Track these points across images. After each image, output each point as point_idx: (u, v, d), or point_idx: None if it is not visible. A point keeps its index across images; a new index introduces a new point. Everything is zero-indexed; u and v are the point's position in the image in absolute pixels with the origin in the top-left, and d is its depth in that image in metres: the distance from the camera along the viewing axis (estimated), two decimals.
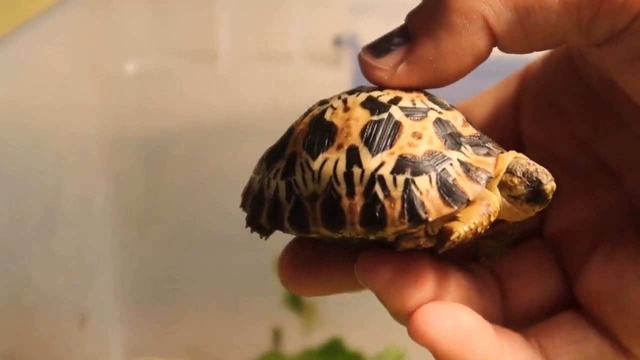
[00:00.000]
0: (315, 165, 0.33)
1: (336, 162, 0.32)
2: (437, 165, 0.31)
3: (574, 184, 0.37)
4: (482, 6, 0.31)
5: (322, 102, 0.36)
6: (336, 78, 0.66)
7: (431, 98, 0.33)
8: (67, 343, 0.63)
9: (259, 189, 0.38)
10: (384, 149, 0.31)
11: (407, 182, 0.30)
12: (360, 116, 0.32)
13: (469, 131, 0.32)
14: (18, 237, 0.54)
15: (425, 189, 0.30)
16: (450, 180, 0.30)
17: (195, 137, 0.68)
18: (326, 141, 0.33)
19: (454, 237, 0.30)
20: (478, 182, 0.31)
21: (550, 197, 0.32)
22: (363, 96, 0.33)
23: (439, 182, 0.30)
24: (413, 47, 0.32)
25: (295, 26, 0.65)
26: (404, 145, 0.31)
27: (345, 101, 0.34)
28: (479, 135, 0.32)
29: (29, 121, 0.57)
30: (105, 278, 0.69)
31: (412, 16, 0.33)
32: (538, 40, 0.32)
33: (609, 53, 0.31)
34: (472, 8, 0.31)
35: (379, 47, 0.33)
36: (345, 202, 0.31)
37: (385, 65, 0.32)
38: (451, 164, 0.31)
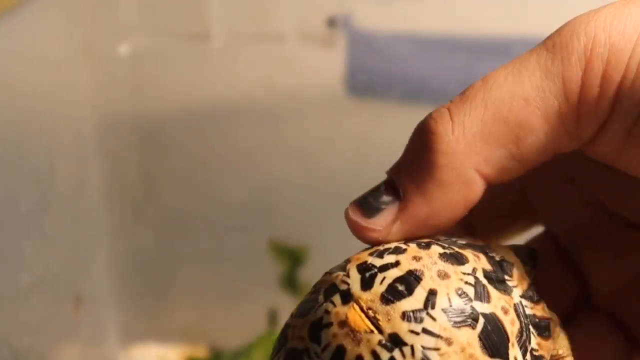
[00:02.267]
0: None
1: None
2: None
3: (605, 246, 0.37)
4: (471, 159, 0.31)
5: None
6: (329, 59, 0.65)
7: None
8: (62, 325, 0.63)
9: None
10: None
11: None
12: None
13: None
14: (12, 219, 0.54)
15: None
16: None
17: (189, 118, 0.68)
18: None
19: None
20: None
21: None
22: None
23: None
24: (405, 206, 0.31)
25: (288, 7, 0.65)
26: None
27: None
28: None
29: (21, 103, 0.57)
30: (100, 260, 0.69)
31: (398, 173, 0.32)
32: (532, 161, 0.31)
33: (602, 144, 0.31)
34: (461, 163, 0.31)
35: (369, 207, 0.32)
36: None
37: (378, 226, 0.32)
38: None
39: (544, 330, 0.33)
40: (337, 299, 0.31)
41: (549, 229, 0.40)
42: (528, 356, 0.32)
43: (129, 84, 0.67)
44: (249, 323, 0.71)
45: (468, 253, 0.32)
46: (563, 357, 0.34)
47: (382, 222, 0.31)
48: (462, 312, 0.30)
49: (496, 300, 0.31)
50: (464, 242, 0.33)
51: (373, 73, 0.66)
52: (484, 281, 0.31)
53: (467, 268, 0.31)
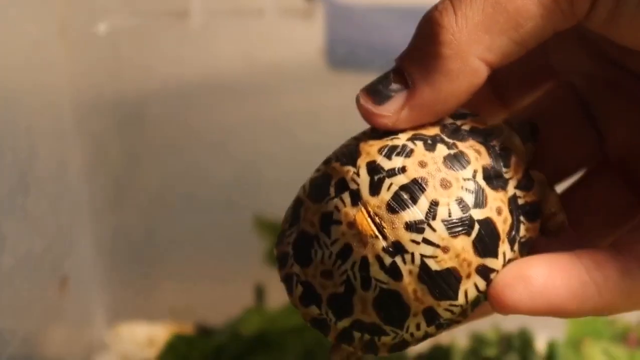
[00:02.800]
0: None
1: None
2: None
3: (621, 102, 0.39)
4: (474, 47, 0.33)
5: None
6: (309, 32, 0.65)
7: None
8: (48, 307, 0.63)
9: None
10: None
11: None
12: None
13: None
14: None
15: None
16: None
17: (170, 97, 0.68)
18: None
19: None
20: None
21: None
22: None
23: None
24: (413, 94, 0.34)
25: None
26: None
27: None
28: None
29: None
30: (84, 241, 0.69)
31: (406, 60, 0.34)
32: (532, 43, 0.33)
33: (595, 19, 0.33)
34: (466, 52, 0.33)
35: (379, 94, 0.34)
36: None
37: (388, 112, 0.34)
38: None
39: (533, 215, 0.36)
40: (347, 197, 0.34)
41: (572, 88, 0.42)
42: (516, 246, 0.35)
43: (108, 63, 0.67)
44: (236, 299, 0.72)
45: (469, 150, 0.35)
46: (555, 214, 0.37)
47: (392, 109, 0.34)
48: (460, 221, 0.34)
49: (492, 202, 0.34)
50: (467, 129, 0.36)
51: (353, 45, 0.65)
52: (483, 184, 0.34)
53: (468, 172, 0.34)
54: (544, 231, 0.37)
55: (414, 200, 0.33)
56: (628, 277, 0.34)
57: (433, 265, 0.33)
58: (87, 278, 0.70)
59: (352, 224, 0.34)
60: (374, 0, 0.63)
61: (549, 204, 0.37)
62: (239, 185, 0.70)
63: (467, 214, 0.34)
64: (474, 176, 0.34)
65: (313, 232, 0.35)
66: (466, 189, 0.34)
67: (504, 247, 0.35)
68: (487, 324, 0.69)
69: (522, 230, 0.36)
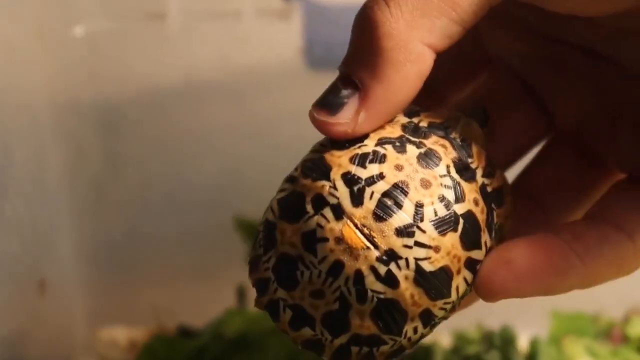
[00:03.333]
0: None
1: None
2: None
3: (563, 76, 0.39)
4: (415, 34, 0.32)
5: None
6: (286, 33, 0.65)
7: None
8: (27, 310, 0.62)
9: None
10: None
11: None
12: None
13: None
14: None
15: None
16: None
17: (150, 99, 0.68)
18: None
19: None
20: None
21: None
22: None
23: None
24: (365, 95, 0.33)
25: None
26: None
27: None
28: None
29: None
30: (64, 243, 0.69)
31: (351, 65, 0.34)
32: (471, 21, 0.33)
33: None
34: (407, 40, 0.32)
35: (331, 104, 0.33)
36: None
37: (345, 119, 0.33)
38: None
39: (500, 201, 0.36)
40: (328, 213, 0.34)
41: (511, 71, 0.42)
42: (493, 234, 0.36)
43: (86, 65, 0.67)
44: (218, 300, 0.71)
45: (436, 146, 0.35)
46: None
47: (348, 115, 0.33)
48: (446, 219, 0.34)
49: (469, 194, 0.35)
50: (426, 126, 0.36)
51: (331, 44, 0.65)
52: (457, 177, 0.35)
53: (442, 169, 0.34)
54: None
55: (399, 205, 0.33)
56: (607, 243, 0.34)
57: (427, 266, 0.33)
58: (67, 281, 0.69)
59: (341, 239, 0.33)
60: None
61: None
62: (220, 187, 0.70)
63: (451, 211, 0.34)
64: (448, 172, 0.34)
65: (295, 253, 0.34)
66: (445, 186, 0.34)
67: (485, 237, 0.35)
68: (469, 322, 0.69)
69: (495, 217, 0.36)
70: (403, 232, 0.33)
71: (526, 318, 0.68)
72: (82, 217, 0.70)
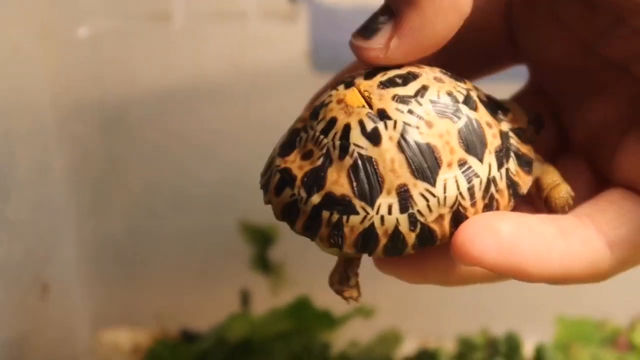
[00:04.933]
0: None
1: None
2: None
3: (587, 89, 0.39)
4: None
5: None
6: (292, 34, 0.65)
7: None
8: (30, 313, 0.62)
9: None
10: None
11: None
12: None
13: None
14: None
15: None
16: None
17: (154, 100, 0.67)
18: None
19: None
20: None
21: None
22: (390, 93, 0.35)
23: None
24: (399, 21, 0.33)
25: None
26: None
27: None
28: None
29: None
30: (67, 246, 0.68)
31: None
32: None
33: None
34: None
35: (367, 29, 0.34)
36: None
37: (377, 44, 0.34)
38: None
39: (525, 164, 0.36)
40: (341, 86, 0.35)
41: (531, 69, 0.43)
42: (503, 171, 0.35)
43: (90, 67, 0.66)
44: (221, 304, 0.71)
45: (473, 93, 0.36)
46: (558, 184, 0.37)
47: (381, 40, 0.34)
48: (447, 107, 0.34)
49: (483, 114, 0.35)
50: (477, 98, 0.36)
51: (337, 47, 0.65)
52: (476, 99, 0.35)
53: (463, 86, 0.35)
54: (550, 205, 0.37)
55: (405, 83, 0.34)
56: (589, 246, 0.34)
57: (414, 134, 0.33)
58: (70, 284, 0.69)
59: (342, 100, 0.34)
60: (358, 1, 0.63)
61: (550, 174, 0.38)
62: (224, 189, 0.69)
63: (455, 105, 0.34)
64: (468, 91, 0.35)
65: (301, 125, 0.36)
66: (459, 91, 0.35)
67: (490, 158, 0.34)
68: (474, 328, 0.69)
69: (512, 167, 0.35)
70: (399, 98, 0.34)
71: (531, 324, 0.67)
72: (85, 220, 0.69)
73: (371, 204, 0.33)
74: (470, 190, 0.34)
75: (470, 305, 0.69)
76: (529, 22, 0.40)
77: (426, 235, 0.34)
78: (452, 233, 0.34)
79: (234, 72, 0.66)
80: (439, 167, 0.33)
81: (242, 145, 0.68)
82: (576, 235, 0.34)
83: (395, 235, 0.34)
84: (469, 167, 0.34)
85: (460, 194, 0.33)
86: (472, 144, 0.34)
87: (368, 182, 0.33)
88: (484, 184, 0.34)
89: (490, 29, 0.41)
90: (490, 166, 0.34)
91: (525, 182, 0.36)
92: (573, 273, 0.34)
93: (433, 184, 0.33)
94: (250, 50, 0.66)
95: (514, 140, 0.36)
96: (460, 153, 0.33)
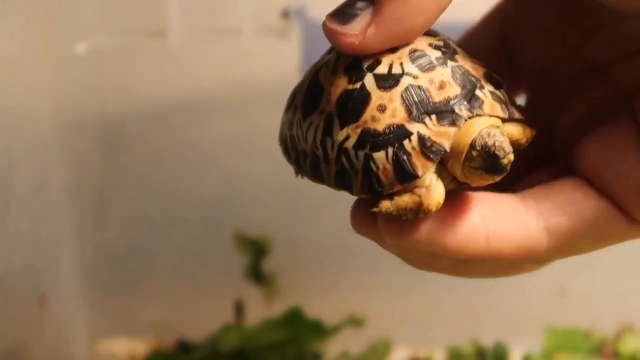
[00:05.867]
0: (304, 127, 0.35)
1: (316, 128, 0.35)
2: (395, 140, 0.32)
3: (571, 89, 0.39)
4: None
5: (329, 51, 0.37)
6: (285, 50, 0.66)
7: (416, 56, 0.34)
8: (27, 323, 0.63)
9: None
10: (350, 123, 0.33)
11: (366, 157, 0.33)
12: (340, 83, 0.34)
13: (443, 94, 0.33)
14: None
15: (382, 165, 0.32)
16: (404, 156, 0.32)
17: (151, 115, 0.69)
18: (314, 103, 0.35)
19: (375, 209, 0.33)
20: (431, 159, 0.32)
21: (507, 169, 0.33)
22: (348, 59, 0.34)
23: (394, 157, 0.32)
24: (379, 9, 0.32)
25: (243, 0, 0.66)
26: (367, 119, 0.33)
27: (335, 63, 0.35)
28: (454, 96, 0.33)
29: None
30: (65, 258, 0.70)
31: None
32: None
33: None
34: None
35: (344, 14, 0.33)
36: (323, 165, 0.34)
37: (353, 30, 0.33)
38: (409, 139, 0.32)
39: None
40: None
41: (524, 76, 0.42)
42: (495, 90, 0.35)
43: (89, 82, 0.67)
44: (217, 315, 0.72)
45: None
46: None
47: (358, 27, 0.33)
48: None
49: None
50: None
51: None
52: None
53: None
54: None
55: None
56: (522, 229, 0.35)
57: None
58: (68, 295, 0.70)
59: None
60: None
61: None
62: (219, 202, 0.71)
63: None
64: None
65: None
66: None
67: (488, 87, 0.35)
68: (464, 337, 0.70)
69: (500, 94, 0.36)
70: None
71: (520, 334, 0.69)
72: (83, 232, 0.71)
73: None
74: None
75: (460, 315, 0.70)
76: (520, 36, 0.41)
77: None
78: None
79: (229, 86, 0.68)
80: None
81: (237, 159, 0.70)
82: (510, 217, 0.34)
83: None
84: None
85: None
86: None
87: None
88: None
89: (487, 50, 0.42)
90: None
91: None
92: (502, 252, 0.34)
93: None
94: (244, 65, 0.67)
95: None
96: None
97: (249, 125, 0.69)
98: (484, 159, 0.32)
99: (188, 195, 0.71)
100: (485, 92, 0.34)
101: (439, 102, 0.33)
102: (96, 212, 0.71)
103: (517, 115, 0.35)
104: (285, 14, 0.66)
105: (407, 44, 0.34)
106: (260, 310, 0.72)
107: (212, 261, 0.72)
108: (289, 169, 0.40)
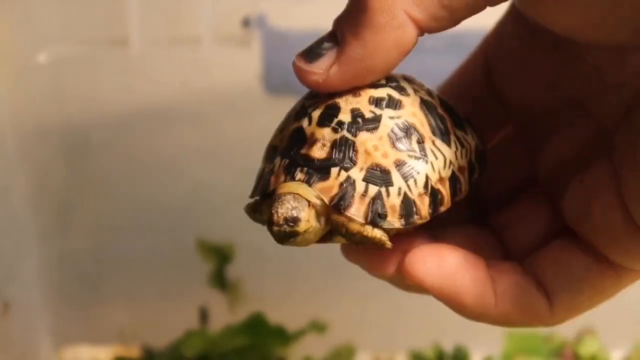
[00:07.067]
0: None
1: None
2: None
3: (554, 124, 0.40)
4: (402, 2, 0.33)
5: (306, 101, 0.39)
6: (246, 58, 0.66)
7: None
8: None
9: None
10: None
11: None
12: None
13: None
14: None
15: None
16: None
17: (112, 123, 0.69)
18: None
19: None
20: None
21: (285, 241, 0.35)
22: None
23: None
24: (342, 49, 0.34)
25: (203, 9, 0.66)
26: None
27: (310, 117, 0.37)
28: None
29: None
30: (28, 267, 0.70)
31: (338, 20, 0.35)
32: (461, 11, 0.34)
33: None
34: (392, 6, 0.33)
35: (312, 53, 0.35)
36: None
37: (318, 69, 0.35)
38: None
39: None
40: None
41: (509, 109, 0.43)
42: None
43: (50, 92, 0.67)
44: (181, 321, 0.73)
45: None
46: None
47: (322, 66, 0.35)
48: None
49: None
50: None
51: (288, 70, 0.66)
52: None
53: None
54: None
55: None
56: (526, 295, 0.36)
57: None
58: (31, 302, 0.70)
59: None
60: (309, 26, 0.64)
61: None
62: (183, 209, 0.71)
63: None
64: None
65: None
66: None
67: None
68: (426, 341, 0.71)
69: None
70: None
71: (480, 337, 0.69)
72: (46, 240, 0.71)
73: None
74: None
75: (422, 319, 0.70)
76: (503, 70, 0.42)
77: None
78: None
79: (191, 95, 0.68)
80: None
81: (200, 167, 0.70)
82: (510, 281, 0.36)
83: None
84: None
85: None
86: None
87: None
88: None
89: (474, 83, 0.43)
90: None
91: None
92: (510, 316, 0.36)
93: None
94: (205, 73, 0.68)
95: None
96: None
97: (211, 133, 0.69)
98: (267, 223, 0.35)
99: (151, 202, 0.71)
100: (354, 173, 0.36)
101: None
102: (59, 220, 0.71)
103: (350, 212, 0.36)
104: (246, 23, 0.66)
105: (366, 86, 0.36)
106: (224, 316, 0.72)
107: (177, 268, 0.72)
108: (252, 176, 0.41)
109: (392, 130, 0.35)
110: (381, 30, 0.33)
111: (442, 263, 0.35)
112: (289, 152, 0.37)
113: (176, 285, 0.73)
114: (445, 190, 0.36)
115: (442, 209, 0.36)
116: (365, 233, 0.35)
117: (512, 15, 0.40)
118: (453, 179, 0.36)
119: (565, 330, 0.70)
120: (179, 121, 0.69)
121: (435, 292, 0.35)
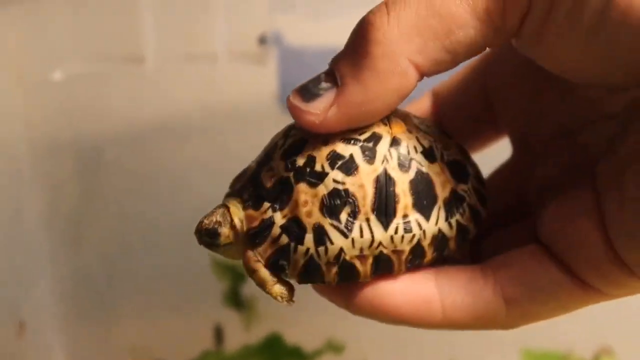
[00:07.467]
0: None
1: None
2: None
3: (544, 151, 0.40)
4: (405, 48, 0.33)
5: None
6: (261, 75, 0.66)
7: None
8: (6, 352, 0.63)
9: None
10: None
11: None
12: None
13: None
14: None
15: None
16: None
17: (127, 141, 0.69)
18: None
19: None
20: None
21: (210, 247, 0.40)
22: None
23: None
24: (342, 92, 0.33)
25: (219, 26, 0.66)
26: None
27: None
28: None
29: None
30: (42, 286, 0.69)
31: (338, 62, 0.34)
32: (463, 55, 0.34)
33: (525, 36, 0.33)
34: (395, 52, 0.33)
35: (308, 93, 0.34)
36: None
37: (315, 109, 0.34)
38: None
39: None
40: None
41: (505, 128, 0.44)
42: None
43: (64, 109, 0.67)
44: (196, 340, 0.72)
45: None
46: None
47: (320, 107, 0.34)
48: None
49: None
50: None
51: None
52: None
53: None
54: None
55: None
56: (480, 299, 0.36)
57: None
58: (46, 322, 0.70)
59: None
60: (325, 43, 0.64)
61: None
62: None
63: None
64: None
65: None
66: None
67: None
68: (442, 359, 0.70)
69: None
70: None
71: (497, 357, 0.69)
72: (61, 258, 0.70)
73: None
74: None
75: (437, 339, 0.70)
76: (500, 94, 0.42)
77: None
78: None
79: (206, 112, 0.68)
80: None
81: (214, 183, 0.69)
82: (467, 288, 0.36)
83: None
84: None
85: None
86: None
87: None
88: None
89: (471, 100, 0.43)
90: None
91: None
92: (459, 322, 0.37)
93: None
94: (220, 90, 0.67)
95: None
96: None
97: (226, 150, 0.69)
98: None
99: (166, 219, 0.71)
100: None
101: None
102: (73, 238, 0.71)
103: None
104: (263, 40, 0.66)
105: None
106: (240, 335, 0.72)
107: (191, 286, 0.72)
108: None
109: (328, 194, 0.35)
110: (383, 76, 0.33)
111: (376, 292, 0.37)
112: (259, 166, 0.38)
113: (190, 303, 0.72)
114: (363, 267, 0.36)
115: (355, 280, 0.36)
116: (258, 278, 0.38)
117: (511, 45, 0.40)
118: (412, 251, 0.37)
119: (583, 349, 0.69)
120: (194, 138, 0.69)
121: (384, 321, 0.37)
